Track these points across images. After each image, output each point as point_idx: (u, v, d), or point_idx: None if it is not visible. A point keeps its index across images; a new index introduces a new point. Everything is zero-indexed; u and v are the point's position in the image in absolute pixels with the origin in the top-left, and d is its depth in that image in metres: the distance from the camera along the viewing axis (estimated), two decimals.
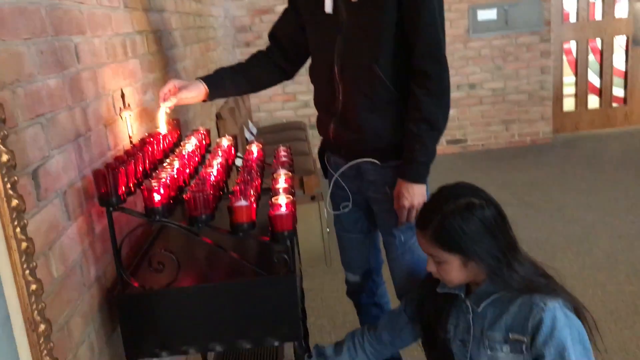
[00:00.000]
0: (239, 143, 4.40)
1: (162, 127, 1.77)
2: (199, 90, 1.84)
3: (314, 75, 1.89)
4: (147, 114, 1.97)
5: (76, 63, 1.39)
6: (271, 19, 5.58)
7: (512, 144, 6.06)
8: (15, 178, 0.88)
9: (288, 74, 2.01)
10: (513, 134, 6.06)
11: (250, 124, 5.32)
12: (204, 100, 1.89)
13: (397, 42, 1.66)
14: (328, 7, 1.71)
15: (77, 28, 1.41)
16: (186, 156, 1.62)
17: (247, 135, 4.92)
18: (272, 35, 1.99)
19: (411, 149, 1.69)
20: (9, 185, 0.86)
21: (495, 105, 5.97)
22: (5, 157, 0.85)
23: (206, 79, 1.87)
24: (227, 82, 1.92)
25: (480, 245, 1.42)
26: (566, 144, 6.00)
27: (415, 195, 1.70)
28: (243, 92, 2.04)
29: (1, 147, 0.84)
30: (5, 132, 0.87)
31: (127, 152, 1.46)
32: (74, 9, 1.41)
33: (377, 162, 1.79)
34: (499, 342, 1.46)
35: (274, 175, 1.59)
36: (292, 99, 5.76)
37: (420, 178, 1.71)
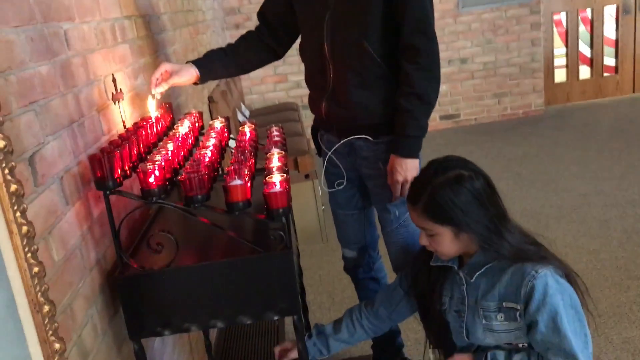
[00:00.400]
0: (232, 126, 4.42)
1: (153, 112, 1.78)
2: (190, 75, 1.86)
3: (304, 54, 1.90)
4: (140, 99, 1.98)
5: (66, 49, 1.39)
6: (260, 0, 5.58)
7: (504, 117, 6.08)
8: (13, 164, 0.90)
9: (278, 54, 2.02)
10: (505, 107, 6.08)
11: (243, 107, 5.32)
12: (195, 84, 1.91)
13: (386, 19, 1.67)
14: None
15: (65, 14, 1.42)
16: (180, 139, 1.63)
17: (240, 117, 4.93)
18: (261, 14, 2.00)
19: (403, 124, 1.71)
20: (7, 171, 0.88)
21: (486, 79, 5.98)
22: (2, 143, 0.87)
23: (197, 63, 1.89)
24: (218, 65, 1.94)
25: (470, 216, 1.45)
26: (558, 115, 6.03)
27: (409, 169, 1.72)
28: (234, 74, 2.06)
29: None
30: (1, 119, 0.88)
31: (121, 137, 1.47)
32: None
33: (369, 138, 1.81)
34: (493, 311, 1.50)
35: (268, 155, 1.61)
36: (284, 80, 5.76)
37: (413, 152, 1.73)
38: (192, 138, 1.76)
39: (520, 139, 5.36)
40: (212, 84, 3.92)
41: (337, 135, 1.88)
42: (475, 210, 1.46)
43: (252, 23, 5.44)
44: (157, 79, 1.79)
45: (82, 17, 1.54)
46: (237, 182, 1.29)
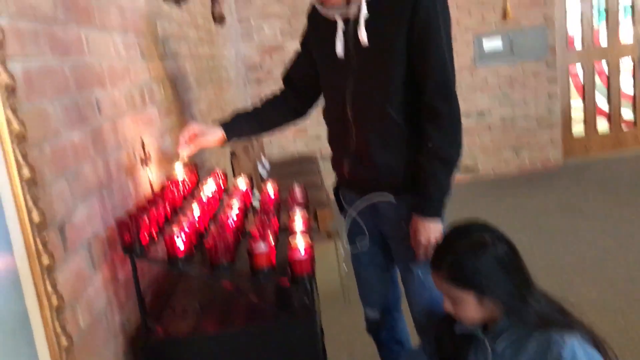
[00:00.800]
0: (253, 181, 4.46)
1: (180, 173, 1.81)
2: (217, 136, 1.90)
3: (327, 116, 1.94)
4: (166, 159, 2.02)
5: (98, 116, 1.43)
6: (280, 56, 5.72)
7: (523, 170, 6.06)
8: (46, 237, 0.91)
9: (302, 114, 2.06)
10: (523, 160, 6.07)
11: (264, 159, 5.38)
12: (222, 145, 1.95)
13: (408, 82, 1.70)
14: (339, 50, 1.76)
15: (98, 82, 1.47)
16: (205, 200, 1.65)
17: (261, 170, 4.97)
18: (285, 77, 2.05)
19: (425, 185, 1.72)
20: (40, 245, 0.89)
21: (504, 132, 5.99)
22: (37, 218, 0.88)
23: (223, 124, 1.93)
24: (244, 126, 1.98)
25: (494, 282, 1.43)
26: (577, 168, 6.00)
27: (431, 231, 1.72)
28: (258, 134, 2.11)
29: (34, 208, 0.87)
30: (36, 193, 0.90)
31: (148, 201, 1.49)
32: (95, 63, 1.46)
33: (391, 197, 1.81)
34: None
35: (290, 214, 1.62)
36: (303, 133, 5.82)
37: (436, 214, 1.73)
38: (217, 199, 1.78)
39: (539, 192, 5.32)
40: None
41: (360, 194, 1.89)
42: (498, 276, 1.44)
43: (273, 78, 5.61)
44: (185, 139, 1.84)
45: (114, 83, 1.58)
46: (262, 248, 1.29)
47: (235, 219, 1.54)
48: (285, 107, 2.03)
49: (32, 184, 0.88)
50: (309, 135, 5.83)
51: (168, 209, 1.52)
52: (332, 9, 1.74)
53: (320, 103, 1.99)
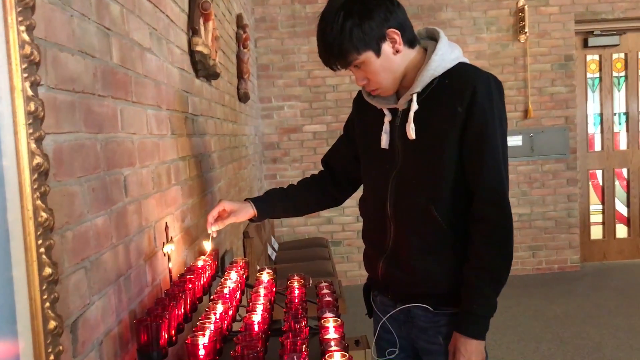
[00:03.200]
0: (262, 260, 4.29)
1: (208, 249, 1.71)
2: (248, 214, 1.79)
3: (364, 209, 1.80)
4: (185, 240, 1.89)
5: (124, 197, 1.31)
6: (298, 137, 5.69)
7: (539, 271, 5.86)
8: (61, 347, 0.77)
9: (337, 201, 1.94)
10: (540, 261, 5.89)
11: (273, 240, 5.23)
12: (252, 220, 1.83)
13: (456, 183, 1.58)
14: (384, 142, 1.65)
15: (128, 160, 1.36)
16: (227, 295, 1.50)
17: (270, 251, 4.82)
18: (325, 161, 1.94)
19: (470, 301, 1.55)
20: (52, 356, 0.74)
21: (521, 231, 5.85)
22: (52, 324, 0.74)
23: (256, 202, 1.81)
24: (277, 205, 1.86)
25: None
26: (595, 273, 5.80)
27: (473, 352, 1.54)
28: (291, 215, 1.98)
29: (50, 312, 0.73)
30: (56, 295, 0.76)
31: (167, 294, 1.34)
32: (127, 140, 1.36)
33: (429, 308, 1.65)
34: None
35: (322, 321, 1.46)
36: (316, 215, 5.70)
37: (479, 333, 1.56)
38: (240, 292, 1.63)
39: (557, 297, 5.11)
40: None
41: (393, 299, 1.73)
42: None
43: (290, 158, 5.56)
44: (214, 217, 1.72)
45: (143, 162, 1.48)
46: None
47: (260, 320, 1.38)
48: (322, 192, 1.91)
49: (52, 284, 0.74)
50: (321, 217, 5.70)
51: (188, 302, 1.37)
52: (380, 99, 1.65)
53: (359, 198, 1.86)
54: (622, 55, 6.00)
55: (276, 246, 5.29)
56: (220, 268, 2.38)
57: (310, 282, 3.74)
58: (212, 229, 1.74)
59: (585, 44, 5.92)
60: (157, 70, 1.68)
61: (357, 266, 5.70)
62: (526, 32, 5.55)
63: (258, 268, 3.55)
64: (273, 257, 4.86)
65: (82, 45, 1.11)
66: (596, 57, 6.00)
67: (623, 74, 6.03)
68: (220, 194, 2.69)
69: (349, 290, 4.51)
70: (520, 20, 5.59)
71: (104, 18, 1.24)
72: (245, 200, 1.84)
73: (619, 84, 6.05)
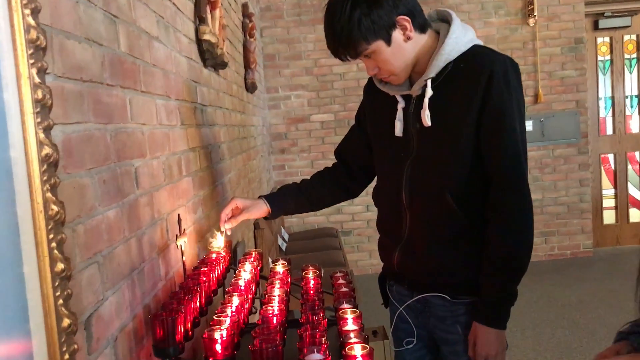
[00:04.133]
0: (273, 251, 4.26)
1: (221, 245, 1.68)
2: (262, 211, 1.76)
3: (379, 198, 1.76)
4: (198, 233, 1.86)
5: (135, 189, 1.28)
6: (306, 127, 5.65)
7: (551, 257, 5.81)
8: (75, 346, 0.73)
9: (353, 193, 1.90)
10: (552, 247, 5.83)
11: (283, 230, 5.21)
12: (266, 218, 1.80)
13: (472, 169, 1.53)
14: (398, 130, 1.61)
15: (138, 151, 1.32)
16: (243, 287, 1.47)
17: (280, 242, 4.79)
18: (338, 153, 1.90)
19: (489, 290, 1.52)
20: (67, 355, 0.71)
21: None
22: (66, 322, 0.71)
23: (269, 198, 1.78)
24: (290, 201, 1.83)
25: None
26: (608, 258, 5.74)
27: (494, 342, 1.51)
28: (306, 210, 1.94)
29: (63, 310, 0.69)
30: (70, 291, 0.73)
31: (182, 287, 1.31)
32: (137, 131, 1.33)
33: (447, 297, 1.61)
34: None
35: (340, 312, 1.43)
36: None
37: (500, 322, 1.52)
38: (254, 283, 1.60)
39: (571, 282, 5.06)
40: None
41: (409, 289, 1.69)
42: None
43: (298, 149, 5.51)
44: (227, 214, 1.69)
45: (153, 153, 1.44)
46: (317, 358, 1.10)
47: (277, 312, 1.35)
48: (337, 185, 1.87)
49: (65, 280, 0.71)
50: (330, 207, 5.66)
51: (204, 295, 1.34)
52: (392, 86, 1.61)
53: (373, 187, 1.82)
54: (633, 36, 5.91)
55: (286, 237, 5.27)
56: (233, 260, 2.35)
57: (322, 272, 3.73)
58: (225, 227, 1.71)
59: (595, 26, 5.83)
60: (165, 59, 1.64)
61: (367, 256, 5.67)
62: (535, 16, 5.47)
63: (271, 260, 3.53)
64: (283, 248, 4.84)
65: (89, 33, 1.08)
66: (607, 39, 5.91)
67: (635, 55, 5.94)
68: (230, 185, 2.66)
69: (360, 279, 4.49)
70: (529, 3, 5.51)
71: (110, 5, 1.21)
72: (259, 197, 1.81)
73: (630, 66, 5.96)
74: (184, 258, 1.52)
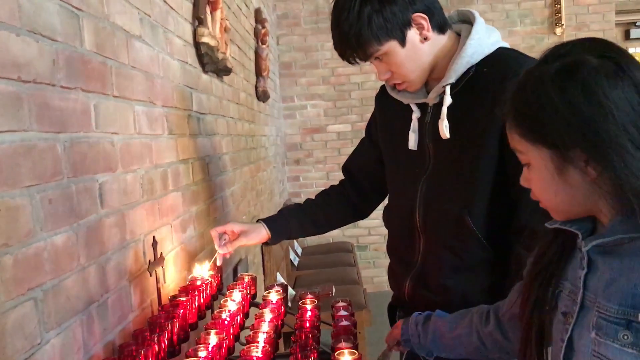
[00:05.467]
0: (284, 268, 4.07)
1: (202, 276, 1.50)
2: (261, 236, 1.57)
3: (389, 219, 1.57)
4: (187, 254, 1.68)
5: (98, 207, 1.11)
6: (322, 137, 5.47)
7: None
8: None
9: (362, 213, 1.70)
10: None
11: (296, 244, 5.02)
12: (266, 243, 1.61)
13: (496, 188, 1.33)
14: (412, 142, 1.42)
15: (105, 164, 1.15)
16: (226, 321, 1.28)
17: (292, 256, 4.61)
18: (346, 168, 1.70)
19: None
20: None
21: None
22: None
23: (269, 222, 1.59)
24: (293, 224, 1.63)
25: (591, 130, 0.79)
26: None
27: None
28: (310, 233, 1.74)
29: None
30: None
31: (151, 324, 1.13)
32: (105, 141, 1.15)
33: None
34: (615, 321, 0.81)
35: (336, 354, 1.24)
36: None
37: None
38: (242, 316, 1.41)
39: None
40: None
41: None
42: (602, 120, 0.78)
43: (314, 160, 5.33)
44: (225, 240, 1.51)
45: (128, 166, 1.27)
46: None
47: (261, 353, 1.16)
48: (345, 204, 1.67)
49: None
50: None
51: (175, 334, 1.16)
52: (406, 94, 1.42)
53: (384, 207, 1.62)
54: None
55: (299, 251, 5.08)
56: (233, 278, 2.17)
57: (334, 290, 3.52)
58: (220, 252, 1.52)
59: (627, 36, 5.59)
60: (149, 61, 1.47)
61: (384, 272, 5.39)
62: (563, 25, 5.23)
63: (279, 277, 3.33)
64: (296, 263, 4.65)
65: (34, 25, 0.91)
66: (639, 49, 5.65)
67: None
68: (233, 199, 2.48)
69: (375, 297, 4.27)
70: (556, 12, 5.27)
71: None
72: (257, 221, 1.63)
73: None
74: (158, 283, 1.34)
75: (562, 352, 0.90)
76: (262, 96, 3.67)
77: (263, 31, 3.72)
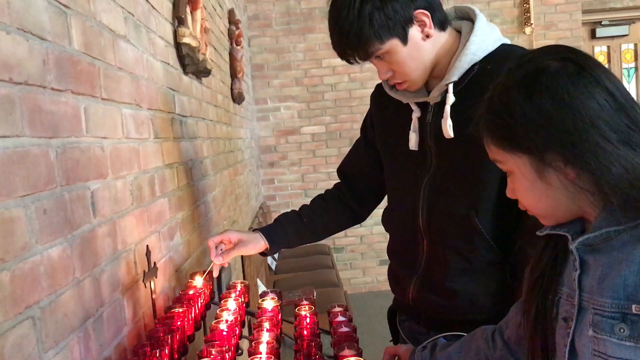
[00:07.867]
0: (262, 273, 4.01)
1: (200, 282, 1.44)
2: (258, 247, 1.50)
3: (390, 222, 1.52)
4: (174, 263, 1.62)
5: (91, 217, 1.04)
6: (296, 139, 5.41)
7: None
8: None
9: (360, 217, 1.65)
10: None
11: None
12: (263, 254, 1.55)
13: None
14: (413, 143, 1.38)
15: (96, 170, 1.09)
16: (225, 332, 1.23)
17: (270, 261, 4.55)
18: (342, 171, 1.65)
19: None
20: None
21: None
22: None
23: (266, 233, 1.52)
24: (291, 233, 1.57)
25: (562, 133, 0.81)
26: None
27: None
28: (308, 241, 1.67)
29: None
30: None
31: (150, 338, 1.07)
32: (95, 146, 1.09)
33: None
34: (610, 316, 0.82)
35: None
36: None
37: None
38: (239, 326, 1.36)
39: None
40: (245, 224, 3.58)
41: (426, 327, 1.45)
42: (575, 122, 0.80)
43: (288, 162, 5.28)
44: (222, 250, 1.45)
45: (118, 172, 1.21)
46: None
47: None
48: (342, 209, 1.62)
49: None
50: None
51: (176, 349, 1.10)
52: (406, 93, 1.38)
53: (384, 209, 1.57)
54: (631, 45, 5.76)
55: (276, 255, 5.02)
56: (218, 289, 2.11)
57: (315, 294, 3.48)
58: (216, 262, 1.45)
59: (593, 35, 5.68)
60: (134, 62, 1.41)
61: (360, 273, 5.42)
62: (532, 24, 5.30)
63: (259, 283, 3.27)
64: (273, 267, 4.60)
65: (25, 23, 0.85)
66: (604, 48, 5.76)
67: (633, 65, 5.79)
68: (215, 204, 2.42)
69: (353, 299, 4.25)
70: (525, 11, 5.34)
71: None
72: (254, 230, 1.56)
73: (628, 75, 5.81)
74: (152, 293, 1.27)
75: (566, 358, 0.89)
76: (237, 98, 3.61)
77: (237, 32, 3.65)
